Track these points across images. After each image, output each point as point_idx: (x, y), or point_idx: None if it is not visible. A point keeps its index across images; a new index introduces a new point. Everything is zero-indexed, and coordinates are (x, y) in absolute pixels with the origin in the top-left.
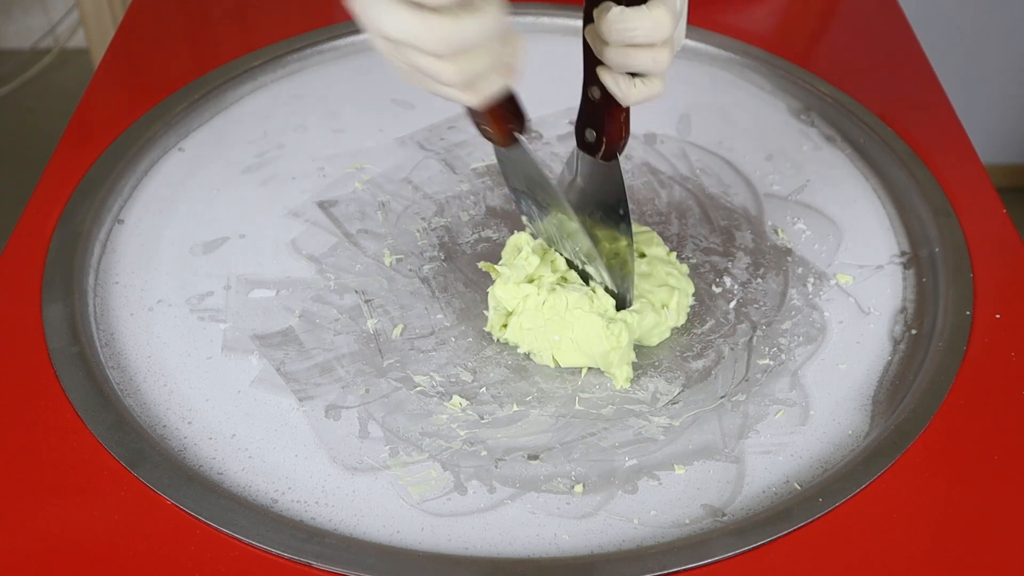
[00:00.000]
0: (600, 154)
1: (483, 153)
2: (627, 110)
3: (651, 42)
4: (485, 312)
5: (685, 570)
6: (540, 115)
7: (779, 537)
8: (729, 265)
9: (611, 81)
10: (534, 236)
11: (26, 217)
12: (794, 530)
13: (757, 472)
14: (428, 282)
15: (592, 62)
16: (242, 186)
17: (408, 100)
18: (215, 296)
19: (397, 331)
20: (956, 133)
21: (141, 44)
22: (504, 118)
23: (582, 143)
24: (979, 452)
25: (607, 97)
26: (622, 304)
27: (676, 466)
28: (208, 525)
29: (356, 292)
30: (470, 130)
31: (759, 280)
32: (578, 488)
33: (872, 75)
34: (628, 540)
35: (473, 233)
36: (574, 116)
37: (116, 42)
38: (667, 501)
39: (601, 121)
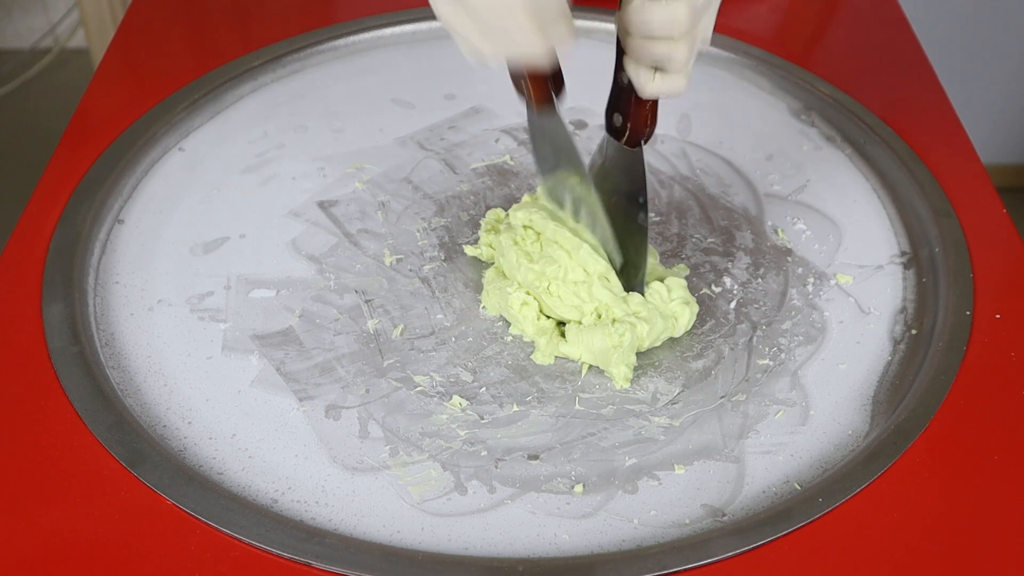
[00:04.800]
0: (624, 139)
1: (483, 153)
2: (654, 101)
3: (668, 35)
4: (481, 307)
5: (685, 570)
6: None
7: (779, 537)
8: (729, 265)
9: (633, 71)
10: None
11: (26, 217)
12: (794, 530)
13: (757, 472)
14: (428, 282)
15: (622, 49)
16: (242, 186)
17: (408, 100)
18: (215, 296)
19: (397, 331)
20: (956, 133)
21: (141, 44)
22: (545, 82)
23: (610, 127)
24: (979, 452)
25: (632, 86)
26: (628, 287)
27: (676, 466)
28: (208, 525)
29: (356, 292)
30: (470, 130)
31: (759, 280)
32: (578, 488)
33: (872, 75)
34: (628, 540)
35: (473, 233)
36: None
37: (116, 42)
38: (667, 501)
39: (627, 107)
